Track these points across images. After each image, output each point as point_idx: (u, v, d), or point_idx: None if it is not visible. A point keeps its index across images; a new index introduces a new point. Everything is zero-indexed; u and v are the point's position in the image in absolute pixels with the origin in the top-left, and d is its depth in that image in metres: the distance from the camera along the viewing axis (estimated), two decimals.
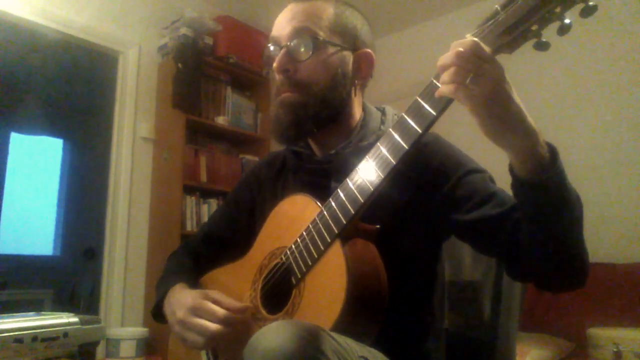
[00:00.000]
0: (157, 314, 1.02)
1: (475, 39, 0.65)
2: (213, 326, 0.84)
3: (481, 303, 1.03)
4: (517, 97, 0.67)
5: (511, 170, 0.73)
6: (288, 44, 0.92)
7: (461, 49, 0.64)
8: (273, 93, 0.97)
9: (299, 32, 0.91)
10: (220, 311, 0.85)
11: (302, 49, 0.91)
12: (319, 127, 0.93)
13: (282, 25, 0.94)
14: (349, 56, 0.94)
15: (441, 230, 0.91)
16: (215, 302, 0.87)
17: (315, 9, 0.93)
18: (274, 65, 0.93)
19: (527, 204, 0.73)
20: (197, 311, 0.86)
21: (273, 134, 0.97)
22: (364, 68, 0.96)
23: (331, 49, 0.92)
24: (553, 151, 0.70)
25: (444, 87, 0.67)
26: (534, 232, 0.74)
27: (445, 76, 0.66)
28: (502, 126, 0.67)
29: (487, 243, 0.84)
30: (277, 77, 0.94)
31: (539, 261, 0.74)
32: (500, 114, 0.66)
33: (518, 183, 0.72)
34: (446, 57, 0.66)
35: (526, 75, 2.89)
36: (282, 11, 0.96)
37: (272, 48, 0.96)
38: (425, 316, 0.92)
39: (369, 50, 0.96)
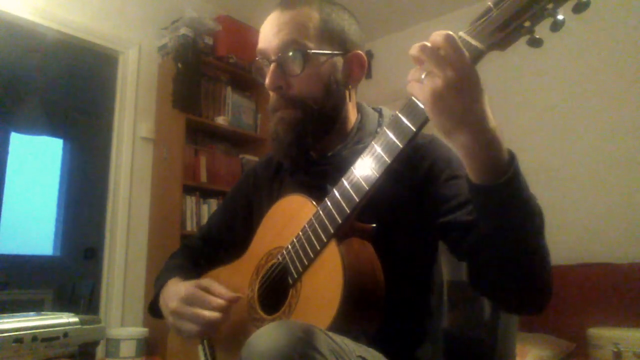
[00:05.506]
0: (153, 309, 1.02)
1: (447, 32, 0.63)
2: (207, 313, 0.84)
3: (481, 303, 1.02)
4: (481, 95, 0.64)
5: (465, 174, 0.70)
6: (277, 58, 0.89)
7: (422, 44, 0.64)
8: (269, 107, 0.95)
9: (287, 46, 0.88)
10: (213, 299, 0.85)
11: (292, 64, 0.88)
12: (319, 140, 0.93)
13: (268, 37, 0.90)
14: (339, 61, 0.92)
15: (433, 231, 0.90)
16: (207, 290, 0.87)
17: (301, 18, 0.89)
18: (266, 82, 0.91)
19: (479, 212, 0.70)
20: (189, 300, 0.87)
21: (275, 154, 0.96)
22: (355, 71, 0.94)
23: (322, 59, 0.89)
24: (511, 157, 0.66)
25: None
26: (489, 244, 0.70)
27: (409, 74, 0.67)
28: (451, 123, 0.64)
29: (455, 248, 0.82)
30: (270, 93, 0.93)
31: (495, 277, 0.71)
32: (450, 110, 0.63)
33: (470, 187, 0.69)
34: None
35: (519, 74, 2.89)
36: (266, 20, 0.93)
37: (260, 61, 0.93)
38: (422, 316, 0.92)
39: (360, 52, 0.94)
